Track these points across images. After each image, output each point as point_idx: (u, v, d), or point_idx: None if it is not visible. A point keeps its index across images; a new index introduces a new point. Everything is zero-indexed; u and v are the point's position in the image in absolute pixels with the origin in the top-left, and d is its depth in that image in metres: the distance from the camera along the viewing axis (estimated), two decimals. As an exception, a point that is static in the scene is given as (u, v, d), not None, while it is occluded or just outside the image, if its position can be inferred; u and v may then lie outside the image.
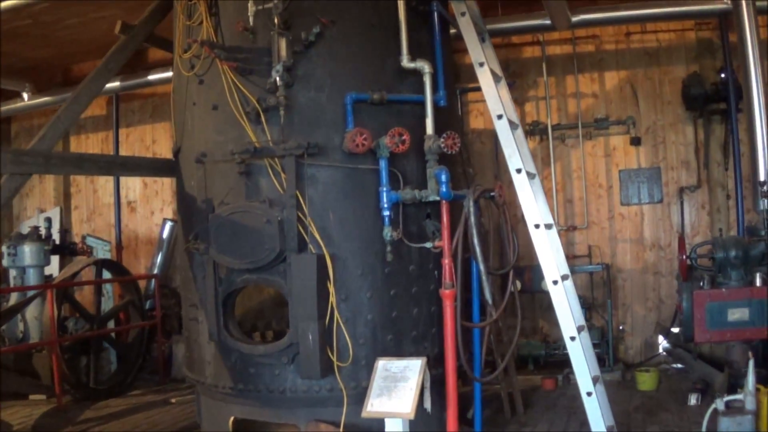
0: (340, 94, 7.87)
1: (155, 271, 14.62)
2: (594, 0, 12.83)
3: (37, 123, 17.28)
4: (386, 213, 7.80)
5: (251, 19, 7.83)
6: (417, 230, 8.18)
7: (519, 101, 13.39)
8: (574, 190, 13.34)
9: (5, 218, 17.53)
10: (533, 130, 13.28)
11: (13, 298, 12.64)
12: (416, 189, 7.92)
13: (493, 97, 8.30)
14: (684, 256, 10.20)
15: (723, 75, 12.03)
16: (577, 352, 7.72)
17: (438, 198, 7.80)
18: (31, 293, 12.30)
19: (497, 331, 9.61)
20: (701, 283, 9.97)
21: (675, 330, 11.78)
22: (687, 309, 9.81)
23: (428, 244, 7.94)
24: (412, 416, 7.04)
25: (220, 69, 8.00)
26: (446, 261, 7.70)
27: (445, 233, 7.73)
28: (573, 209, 13.36)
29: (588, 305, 12.35)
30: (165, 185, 15.91)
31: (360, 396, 7.53)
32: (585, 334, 8.01)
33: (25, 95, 15.66)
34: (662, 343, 12.47)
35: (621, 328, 12.98)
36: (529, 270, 12.29)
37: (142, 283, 13.94)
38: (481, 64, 8.30)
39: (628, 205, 13.11)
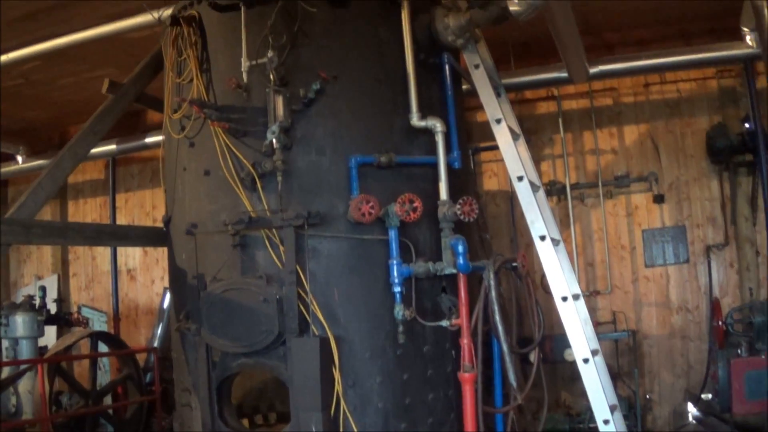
0: (344, 157, 7.01)
1: (155, 343, 13.63)
2: (610, 50, 12.10)
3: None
4: (397, 289, 6.86)
5: (245, 75, 7.00)
6: (431, 307, 7.26)
7: (535, 160, 12.15)
8: (596, 252, 12.39)
9: (2, 284, 16.70)
10: (550, 190, 12.29)
11: (6, 371, 11.77)
12: (430, 261, 7.04)
13: (513, 156, 7.46)
14: (720, 322, 9.33)
15: (748, 125, 11.16)
16: (612, 437, 6.85)
17: (455, 271, 6.90)
18: (22, 367, 11.40)
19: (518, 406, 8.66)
20: (738, 350, 9.13)
21: (705, 396, 10.83)
22: (723, 378, 9.05)
23: (444, 323, 6.98)
24: None
25: (212, 131, 7.17)
26: (465, 341, 6.79)
27: (463, 310, 6.83)
28: (595, 273, 12.39)
29: (613, 375, 11.36)
30: (166, 253, 14.75)
31: (371, 497, 6.61)
32: (618, 415, 7.10)
33: (19, 158, 14.87)
34: (692, 411, 11.41)
35: (648, 397, 11.95)
36: (550, 339, 11.35)
37: (142, 356, 13.04)
38: (498, 121, 7.45)
39: (653, 267, 12.13)
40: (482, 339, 7.02)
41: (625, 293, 12.25)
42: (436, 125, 7.22)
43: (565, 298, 7.06)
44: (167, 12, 8.40)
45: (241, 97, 7.16)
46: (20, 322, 12.09)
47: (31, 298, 12.60)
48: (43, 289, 13.21)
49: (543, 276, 7.46)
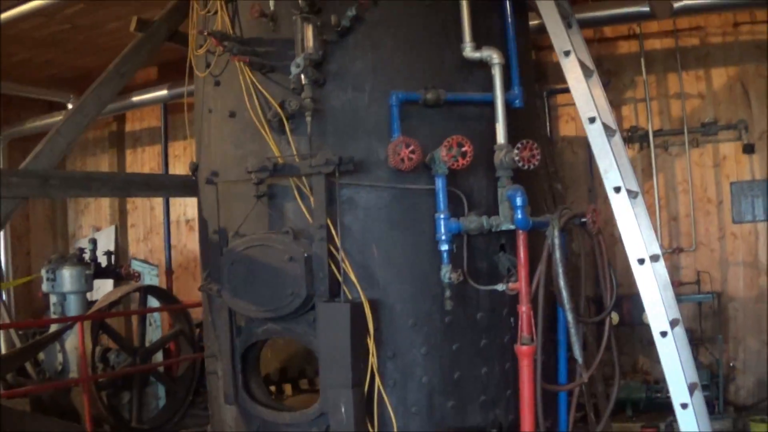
0: (385, 95, 5.92)
1: (211, 297, 12.94)
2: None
3: (92, 137, 15.87)
4: (445, 247, 5.81)
5: (271, 3, 5.99)
6: (487, 267, 6.19)
7: (614, 104, 11.03)
8: (680, 206, 11.11)
9: (60, 236, 16.17)
10: (631, 137, 11.04)
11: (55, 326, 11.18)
12: (485, 215, 5.97)
13: (583, 94, 6.29)
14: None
15: None
16: (689, 422, 5.75)
17: (512, 227, 5.85)
18: (62, 325, 10.74)
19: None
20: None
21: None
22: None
23: (501, 286, 5.90)
24: None
25: (238, 67, 6.20)
26: (523, 308, 5.73)
27: (522, 272, 5.76)
28: (678, 228, 11.13)
29: (695, 340, 10.22)
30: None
31: (410, 485, 5.64)
32: (699, 396, 6.00)
33: (69, 107, 14.14)
34: (779, 381, 10.31)
35: (731, 365, 10.75)
36: (629, 300, 10.24)
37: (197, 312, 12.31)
38: (567, 53, 6.28)
39: (741, 223, 10.84)
40: (546, 305, 5.99)
41: (710, 251, 10.98)
42: (493, 56, 6.07)
43: (641, 261, 5.93)
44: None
45: (268, 28, 6.13)
46: (67, 276, 11.44)
47: (81, 250, 11.96)
48: (93, 241, 12.51)
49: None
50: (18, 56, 12.62)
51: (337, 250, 5.68)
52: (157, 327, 12.48)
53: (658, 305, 5.94)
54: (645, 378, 10.79)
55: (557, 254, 5.83)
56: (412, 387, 5.88)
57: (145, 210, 15.34)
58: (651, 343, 10.55)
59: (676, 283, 10.47)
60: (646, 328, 9.72)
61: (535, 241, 6.01)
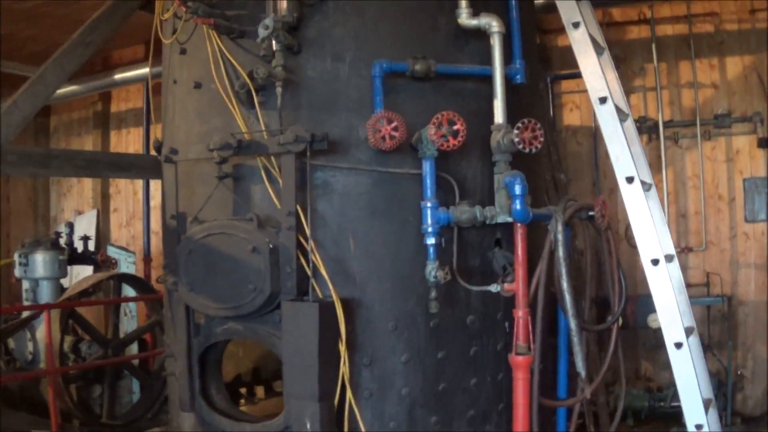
0: (368, 65, 5.08)
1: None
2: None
3: (76, 117, 15.07)
4: (431, 240, 4.99)
5: (241, -43, 5.19)
6: (480, 264, 5.38)
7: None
8: (689, 202, 10.27)
9: (41, 220, 15.38)
10: (640, 128, 10.04)
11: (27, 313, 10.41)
12: (478, 205, 5.17)
13: (594, 72, 5.49)
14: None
15: None
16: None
17: (509, 219, 5.04)
18: (31, 313, 9.97)
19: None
20: None
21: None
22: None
23: (495, 287, 5.07)
24: None
25: (205, 33, 5.39)
26: (520, 313, 4.95)
27: (520, 271, 4.97)
28: (687, 226, 10.30)
29: (703, 346, 9.41)
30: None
31: None
32: (714, 414, 5.26)
33: (52, 84, 13.32)
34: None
35: (739, 372, 9.96)
36: (633, 301, 9.43)
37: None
38: (576, 25, 5.46)
39: (754, 222, 10.01)
40: (546, 309, 5.20)
41: (720, 251, 10.16)
42: (492, 24, 5.21)
43: (655, 261, 5.14)
44: None
45: (239, -14, 5.33)
46: (40, 261, 10.66)
47: (57, 234, 11.19)
48: (70, 225, 11.77)
49: (627, 227, 5.59)
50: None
51: (307, 240, 4.87)
52: (132, 317, 11.70)
53: (672, 311, 5.19)
54: (648, 385, 9.98)
55: (560, 251, 5.04)
56: (391, 399, 5.07)
57: (128, 194, 14.52)
58: (654, 347, 9.91)
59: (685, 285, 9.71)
60: (650, 331, 8.95)
61: (534, 236, 5.23)
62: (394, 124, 4.75)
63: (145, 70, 11.93)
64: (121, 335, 10.71)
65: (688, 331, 5.27)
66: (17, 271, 10.80)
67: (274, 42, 4.92)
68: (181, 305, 5.29)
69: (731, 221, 10.12)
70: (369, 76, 5.08)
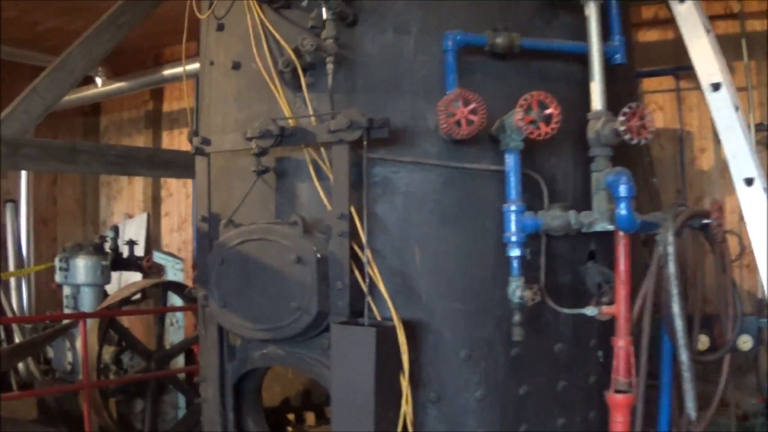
0: (438, 39, 4.11)
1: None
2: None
3: (127, 116, 14.35)
4: (515, 252, 3.99)
5: None
6: (571, 282, 4.39)
7: None
8: (783, 217, 9.11)
9: (90, 223, 14.69)
10: (728, 132, 9.02)
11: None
12: (572, 210, 4.19)
13: (704, 53, 4.51)
14: None
15: None
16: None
17: (611, 227, 4.05)
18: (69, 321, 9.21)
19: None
20: None
21: None
22: None
23: (591, 310, 4.10)
24: None
25: (245, 5, 4.50)
26: (621, 342, 3.95)
27: (622, 291, 3.97)
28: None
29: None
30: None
31: None
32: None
33: (98, 80, 12.58)
34: None
35: None
36: (719, 321, 8.30)
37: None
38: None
39: None
40: (650, 336, 4.20)
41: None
42: (589, -8, 4.27)
43: (787, 281, 4.14)
44: None
45: (284, -53, 4.41)
46: (81, 267, 9.91)
47: (102, 238, 10.42)
48: (115, 228, 10.97)
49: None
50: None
51: (362, 249, 3.93)
52: (179, 328, 10.85)
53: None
54: (735, 413, 8.85)
55: (671, 267, 4.02)
56: (463, 444, 4.11)
57: (180, 197, 13.72)
58: (742, 371, 8.77)
59: None
60: (739, 354, 7.88)
61: (632, 249, 4.23)
62: (472, 106, 3.77)
63: (196, 66, 11.13)
64: (167, 346, 9.90)
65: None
66: (58, 277, 10.07)
67: (324, 10, 4.00)
68: (213, 324, 4.39)
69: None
70: (439, 51, 4.11)
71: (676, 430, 4.74)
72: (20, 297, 12.53)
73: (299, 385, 6.85)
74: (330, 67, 3.99)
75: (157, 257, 11.20)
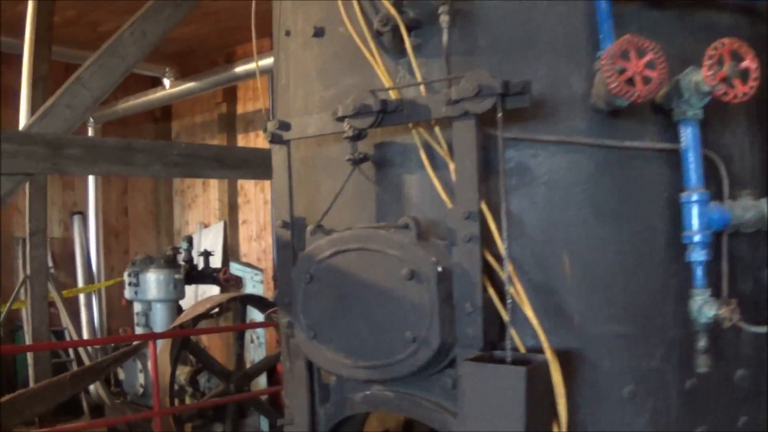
0: (581, -16, 3.10)
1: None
2: None
3: (200, 120, 13.57)
4: (699, 255, 2.95)
5: None
6: (752, 291, 3.31)
7: None
8: None
9: (165, 233, 13.93)
10: None
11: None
12: (763, 198, 3.12)
13: None
14: None
15: None
16: None
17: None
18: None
19: None
20: None
21: None
22: None
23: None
24: None
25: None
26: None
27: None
28: None
29: None
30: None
31: None
32: None
33: (166, 82, 11.81)
34: None
35: None
36: None
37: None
38: None
39: None
40: None
41: None
42: None
43: None
44: None
45: None
46: (153, 281, 9.15)
47: (175, 250, 9.63)
48: (188, 239, 10.16)
49: None
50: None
51: (499, 260, 2.91)
52: (260, 345, 10.00)
53: None
54: None
55: None
56: None
57: (258, 203, 12.88)
58: None
59: None
60: None
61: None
62: (648, 58, 2.70)
63: (270, 60, 10.27)
64: (247, 365, 9.04)
65: None
66: (127, 293, 9.35)
67: (435, -48, 3.01)
68: (300, 358, 3.41)
69: None
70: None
71: None
72: (90, 314, 11.81)
73: (400, 416, 5.84)
74: (445, 22, 2.98)
75: (235, 269, 10.39)
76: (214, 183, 13.01)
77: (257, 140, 12.86)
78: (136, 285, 9.18)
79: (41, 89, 8.28)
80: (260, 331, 9.85)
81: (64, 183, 12.90)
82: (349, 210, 3.35)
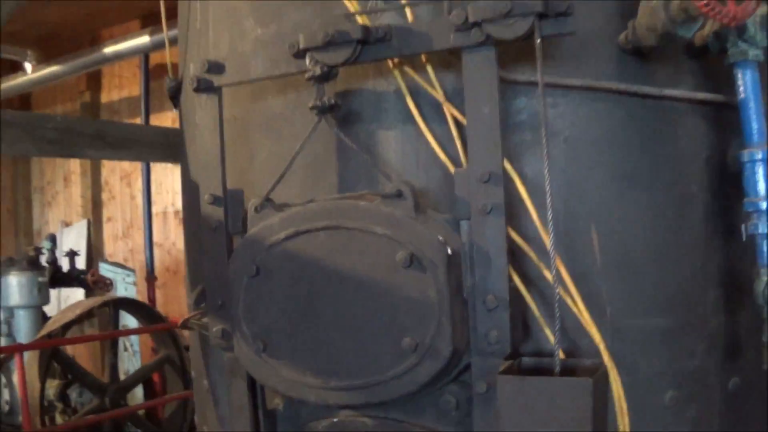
0: None
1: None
2: None
3: (61, 110, 12.52)
4: (763, 227, 2.29)
5: None
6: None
7: None
8: None
9: (22, 233, 12.63)
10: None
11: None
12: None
13: None
14: None
15: None
16: None
17: None
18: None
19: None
20: None
21: None
22: None
23: None
24: None
25: None
26: None
27: None
28: None
29: None
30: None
31: None
32: None
33: (27, 66, 10.65)
34: None
35: None
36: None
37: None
38: None
39: None
40: None
41: None
42: None
43: None
44: None
45: None
46: (14, 285, 8.01)
47: (37, 251, 8.47)
48: (52, 238, 9.00)
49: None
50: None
51: (525, 238, 2.16)
52: (134, 353, 8.97)
53: None
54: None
55: None
56: None
57: (124, 200, 11.75)
58: None
59: None
60: None
61: None
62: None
63: (143, 39, 9.31)
64: (122, 377, 8.01)
65: None
66: (-14, 298, 8.13)
67: None
68: (240, 378, 2.53)
69: None
70: None
71: None
72: None
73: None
74: None
75: (105, 269, 9.29)
76: (76, 179, 11.89)
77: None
78: (-4, 290, 8.03)
79: None
80: (134, 338, 8.85)
81: None
82: (301, 180, 2.51)
